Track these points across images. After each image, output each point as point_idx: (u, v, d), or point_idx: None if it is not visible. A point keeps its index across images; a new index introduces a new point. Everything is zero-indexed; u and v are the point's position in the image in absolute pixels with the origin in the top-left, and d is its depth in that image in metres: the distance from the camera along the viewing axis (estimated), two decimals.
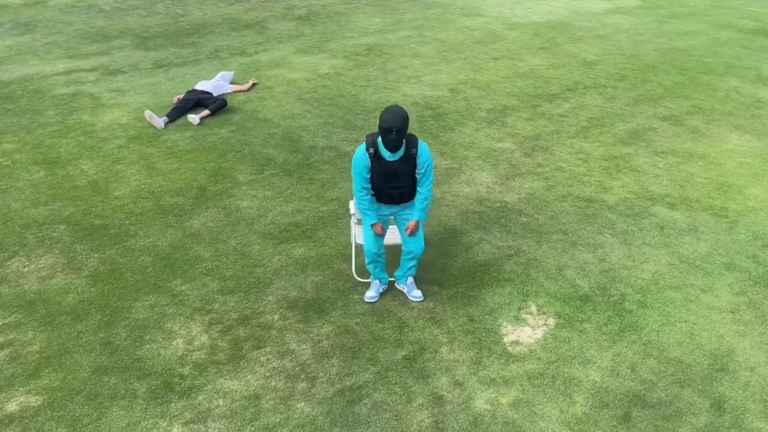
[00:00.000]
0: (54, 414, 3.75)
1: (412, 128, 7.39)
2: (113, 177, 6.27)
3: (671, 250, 5.31)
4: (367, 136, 4.22)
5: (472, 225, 5.62)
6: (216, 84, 8.05)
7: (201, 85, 7.93)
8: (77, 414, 3.76)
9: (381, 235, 4.48)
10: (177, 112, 7.46)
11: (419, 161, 4.22)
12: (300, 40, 10.52)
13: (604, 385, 4.02)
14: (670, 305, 4.70)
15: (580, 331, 4.45)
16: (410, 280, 4.77)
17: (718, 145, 7.11)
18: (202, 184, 6.17)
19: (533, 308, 4.66)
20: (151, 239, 5.34)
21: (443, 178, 6.38)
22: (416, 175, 4.29)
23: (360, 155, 4.19)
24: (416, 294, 4.73)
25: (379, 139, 4.16)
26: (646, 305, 4.70)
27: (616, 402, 3.91)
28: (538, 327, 4.49)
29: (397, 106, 4.05)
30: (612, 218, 5.74)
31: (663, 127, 7.57)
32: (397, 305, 4.66)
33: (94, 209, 5.75)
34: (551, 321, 4.54)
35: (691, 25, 11.75)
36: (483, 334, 4.41)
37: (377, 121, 7.49)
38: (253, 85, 8.52)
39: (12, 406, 3.79)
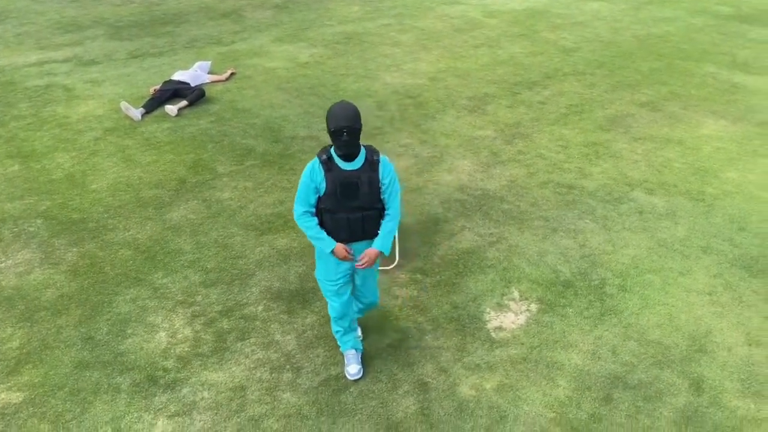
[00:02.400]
0: (36, 410, 3.71)
1: (394, 117, 7.38)
2: (90, 170, 6.17)
3: (650, 235, 5.39)
4: (319, 150, 3.55)
5: (454, 213, 5.65)
6: (193, 74, 7.94)
7: (178, 76, 7.82)
8: (60, 410, 3.71)
9: (348, 260, 3.61)
10: (154, 103, 7.35)
11: (382, 171, 3.51)
12: (278, 29, 10.41)
13: (586, 368, 4.08)
14: (649, 288, 4.78)
15: (562, 316, 4.51)
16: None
17: (694, 131, 7.21)
18: (182, 175, 6.10)
19: (516, 294, 4.70)
20: (130, 232, 5.28)
21: (425, 166, 6.38)
22: (381, 194, 3.56)
23: (310, 168, 3.47)
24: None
25: (332, 147, 3.50)
26: (625, 289, 4.77)
27: (598, 384, 3.97)
28: (521, 313, 4.53)
29: (344, 101, 3.41)
30: (592, 204, 5.80)
31: (641, 113, 7.65)
32: (381, 294, 4.67)
33: (71, 203, 5.65)
34: (533, 306, 4.59)
35: (667, 11, 11.86)
36: (466, 320, 4.45)
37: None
38: (232, 74, 8.42)
39: None
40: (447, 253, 5.13)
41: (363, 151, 3.52)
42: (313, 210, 3.55)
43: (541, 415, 3.76)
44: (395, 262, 4.95)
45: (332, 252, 3.57)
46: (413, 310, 4.54)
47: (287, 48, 9.51)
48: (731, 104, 7.93)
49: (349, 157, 3.45)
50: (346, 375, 3.97)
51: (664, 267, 5.01)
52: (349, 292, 3.84)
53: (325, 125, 7.13)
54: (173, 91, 7.54)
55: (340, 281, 3.76)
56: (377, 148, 3.61)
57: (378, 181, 3.52)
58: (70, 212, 5.52)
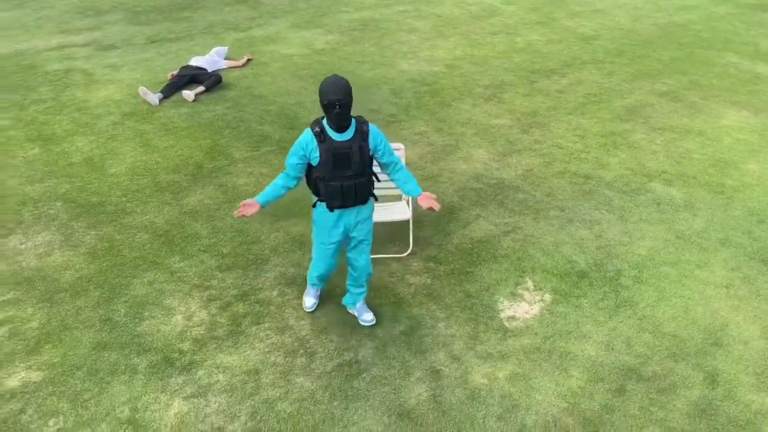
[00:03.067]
0: (55, 389, 3.79)
1: (409, 105, 7.35)
2: (108, 154, 6.23)
3: (667, 226, 5.34)
4: (311, 122, 3.75)
5: (469, 202, 5.63)
6: (210, 60, 7.95)
7: (195, 61, 7.84)
8: (78, 389, 3.79)
9: (242, 216, 3.73)
10: (171, 89, 7.39)
11: (372, 140, 3.72)
12: (294, 15, 10.38)
13: (600, 359, 4.07)
14: (665, 281, 4.75)
15: (576, 307, 4.49)
16: (360, 303, 4.32)
17: (715, 121, 7.11)
18: (199, 161, 6.14)
19: (530, 284, 4.69)
20: (148, 216, 5.33)
21: (440, 154, 6.36)
22: (378, 160, 3.81)
23: (303, 137, 3.67)
24: (367, 318, 4.27)
25: (325, 119, 3.69)
26: (641, 281, 4.74)
27: (612, 376, 3.96)
28: (535, 302, 4.53)
29: (336, 75, 3.58)
30: (609, 195, 5.76)
31: (660, 103, 7.55)
32: (395, 281, 4.69)
33: (90, 186, 5.72)
34: (547, 297, 4.58)
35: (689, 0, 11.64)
36: (480, 309, 4.45)
37: (374, 98, 7.45)
38: (248, 60, 8.43)
39: (13, 382, 3.82)
40: (461, 241, 5.12)
41: (353, 122, 3.72)
42: (295, 177, 3.79)
43: (554, 405, 3.76)
44: (409, 250, 4.96)
45: (243, 204, 3.76)
46: (426, 297, 4.55)
47: (303, 34, 9.49)
48: (753, 95, 7.79)
49: (340, 129, 3.64)
50: (303, 306, 4.40)
51: (681, 259, 4.97)
52: (335, 259, 4.10)
53: None
54: (190, 77, 7.57)
55: (332, 247, 4.00)
56: (366, 121, 3.80)
57: (368, 149, 3.73)
58: (89, 195, 5.59)
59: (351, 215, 3.91)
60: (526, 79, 8.12)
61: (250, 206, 3.76)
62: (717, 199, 5.71)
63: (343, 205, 3.81)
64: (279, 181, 3.83)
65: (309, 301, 4.42)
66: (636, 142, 6.66)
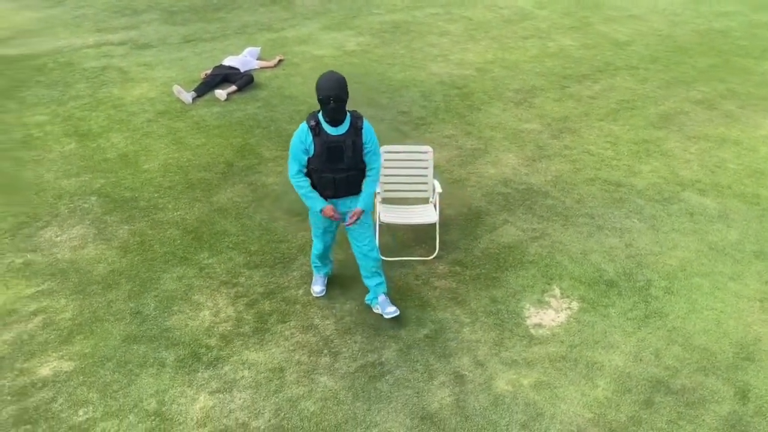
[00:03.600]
0: (85, 379, 3.87)
1: (438, 108, 7.34)
2: (142, 150, 6.36)
3: (700, 237, 5.23)
4: (308, 115, 3.86)
5: (497, 206, 5.60)
6: (243, 60, 8.06)
7: (228, 61, 7.95)
8: (108, 380, 3.87)
9: (335, 219, 4.00)
10: (205, 88, 7.51)
11: (365, 136, 3.87)
12: (326, 17, 10.45)
13: (627, 370, 4.01)
14: (697, 292, 4.65)
15: (604, 316, 4.43)
16: (382, 297, 4.32)
17: (752, 131, 6.94)
18: (229, 159, 6.23)
19: (557, 291, 4.64)
20: (179, 212, 5.42)
21: (468, 158, 6.34)
22: (363, 157, 3.92)
23: (299, 132, 3.82)
24: (390, 310, 4.26)
25: (320, 114, 3.82)
26: (672, 292, 4.65)
27: (639, 387, 3.90)
28: (562, 310, 4.48)
29: (332, 71, 3.69)
30: (640, 203, 5.66)
31: (696, 110, 7.40)
32: (419, 284, 4.69)
33: (124, 182, 5.84)
34: (575, 305, 4.52)
35: (729, 6, 11.39)
36: (505, 315, 4.42)
37: (404, 100, 7.46)
38: (280, 61, 8.52)
39: (45, 371, 3.92)
40: (488, 246, 5.09)
41: (348, 116, 3.85)
42: (305, 169, 3.91)
43: (579, 415, 3.72)
44: (435, 253, 4.95)
45: (321, 211, 3.97)
46: (451, 301, 4.53)
47: (335, 36, 9.55)
48: None
49: (335, 123, 3.76)
50: (312, 293, 4.52)
51: (714, 271, 4.86)
52: (331, 239, 4.29)
53: (370, 113, 7.15)
54: (223, 76, 7.68)
55: (325, 228, 4.18)
56: (361, 116, 3.92)
57: (361, 144, 3.87)
58: (122, 191, 5.71)
59: (344, 205, 4.08)
60: (558, 84, 8.04)
61: (327, 212, 3.99)
62: (752, 211, 5.57)
63: (335, 196, 3.99)
64: (304, 182, 3.95)
65: (317, 287, 4.55)
66: (669, 150, 6.54)
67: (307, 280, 4.70)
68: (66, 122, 6.88)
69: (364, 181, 4.05)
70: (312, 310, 4.43)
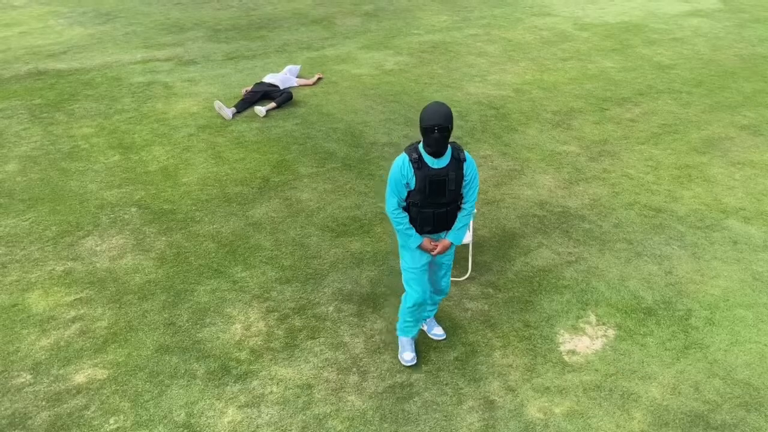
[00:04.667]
0: (118, 388, 3.93)
1: (475, 128, 7.32)
2: (182, 164, 6.50)
3: (744, 267, 5.05)
4: (407, 147, 3.66)
5: (532, 229, 5.52)
6: (283, 77, 8.21)
7: (268, 78, 8.11)
8: (139, 389, 3.92)
9: (432, 251, 3.80)
10: (245, 104, 7.66)
11: (467, 169, 3.68)
12: (366, 36, 10.58)
13: (665, 403, 3.87)
14: (740, 324, 4.47)
15: (642, 345, 4.30)
16: (430, 318, 4.35)
17: None
18: (266, 174, 6.31)
19: (592, 318, 4.53)
20: (215, 226, 5.51)
21: (504, 179, 6.28)
22: (461, 189, 3.74)
23: (400, 164, 3.59)
24: (438, 332, 4.31)
25: (421, 144, 3.63)
26: (714, 322, 4.49)
27: (677, 421, 3.75)
28: (597, 338, 4.36)
29: (438, 102, 3.54)
30: (681, 230, 5.51)
31: (741, 136, 7.20)
32: (451, 305, 4.63)
33: (163, 194, 5.98)
34: (611, 332, 4.40)
35: None
36: (538, 340, 4.33)
37: None
38: (319, 79, 8.64)
39: (80, 378, 4.00)
40: (522, 269, 5.01)
41: (449, 148, 3.64)
42: (404, 204, 3.70)
43: None
44: (467, 274, 4.90)
45: (419, 246, 3.78)
46: (483, 324, 4.47)
47: (374, 55, 9.65)
48: None
49: (437, 155, 3.57)
50: (401, 361, 4.10)
51: (758, 302, 4.68)
52: (427, 279, 3.97)
53: (405, 132, 7.17)
54: (263, 93, 7.83)
55: (423, 269, 3.90)
56: (462, 148, 3.73)
57: (462, 178, 3.69)
58: (161, 203, 5.84)
59: (438, 239, 3.89)
60: (597, 106, 7.93)
61: (427, 247, 3.82)
62: None
63: (434, 231, 3.80)
64: (403, 218, 3.72)
65: (408, 354, 4.09)
66: (713, 176, 6.36)
67: (339, 296, 4.70)
68: (111, 135, 7.09)
69: (459, 213, 3.83)
70: (342, 328, 4.42)
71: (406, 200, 3.69)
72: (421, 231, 3.77)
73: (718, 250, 5.25)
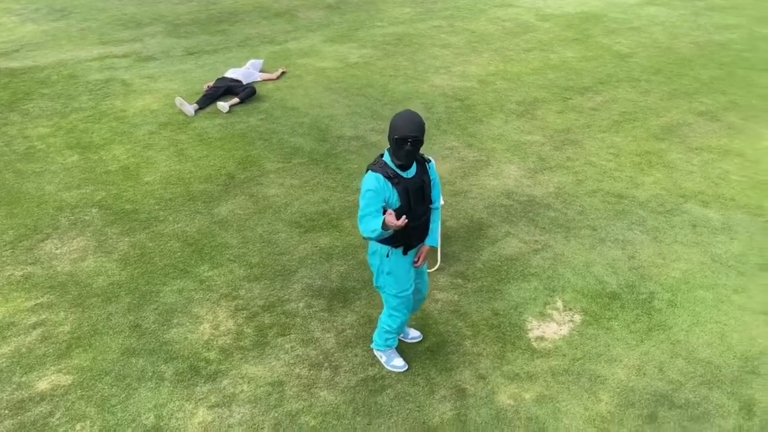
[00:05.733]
0: (84, 393, 3.84)
1: (441, 120, 7.35)
2: (144, 162, 6.36)
3: (703, 249, 5.20)
4: (372, 165, 3.39)
5: (499, 218, 5.57)
6: (245, 72, 8.09)
7: (231, 73, 7.98)
8: (106, 394, 3.84)
9: (399, 226, 3.19)
10: (207, 100, 7.53)
11: (432, 171, 3.59)
12: (329, 29, 10.51)
13: (630, 384, 3.96)
14: (700, 305, 4.61)
15: (607, 329, 4.39)
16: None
17: (755, 142, 6.91)
18: (231, 171, 6.23)
19: (559, 304, 4.61)
20: (179, 225, 5.41)
21: (470, 170, 6.33)
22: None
23: (376, 184, 3.32)
24: (414, 335, 4.25)
25: (386, 157, 3.42)
26: (675, 304, 4.61)
27: (643, 401, 3.85)
28: (564, 323, 4.44)
29: (410, 110, 3.34)
30: (643, 215, 5.63)
31: (698, 122, 7.39)
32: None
33: (125, 194, 5.84)
34: (577, 317, 4.48)
35: (730, 19, 11.41)
36: (507, 328, 4.38)
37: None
38: (282, 73, 8.54)
39: (43, 385, 3.89)
40: (490, 258, 5.06)
41: None
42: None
43: (582, 430, 3.67)
44: (437, 266, 4.92)
45: (384, 224, 3.23)
46: (453, 314, 4.50)
47: (337, 48, 9.59)
48: None
49: (406, 167, 3.41)
50: (393, 369, 4.01)
51: (718, 283, 4.82)
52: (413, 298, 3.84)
53: (371, 125, 7.15)
54: (226, 88, 7.71)
55: (412, 287, 3.74)
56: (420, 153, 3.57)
57: (431, 180, 3.58)
58: (123, 203, 5.71)
59: (415, 250, 3.71)
60: (560, 96, 8.04)
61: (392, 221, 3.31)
62: (756, 222, 5.53)
63: (419, 242, 3.64)
64: (375, 223, 3.30)
65: (399, 361, 4.03)
66: (672, 161, 6.52)
67: (308, 292, 4.67)
68: (68, 134, 6.90)
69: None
70: (313, 324, 4.40)
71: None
72: (408, 246, 3.57)
73: (678, 233, 5.39)
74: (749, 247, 5.22)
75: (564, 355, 4.17)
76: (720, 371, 4.06)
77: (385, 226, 3.23)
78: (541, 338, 4.30)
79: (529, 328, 4.39)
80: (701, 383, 3.98)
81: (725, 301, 4.65)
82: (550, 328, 4.39)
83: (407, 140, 3.26)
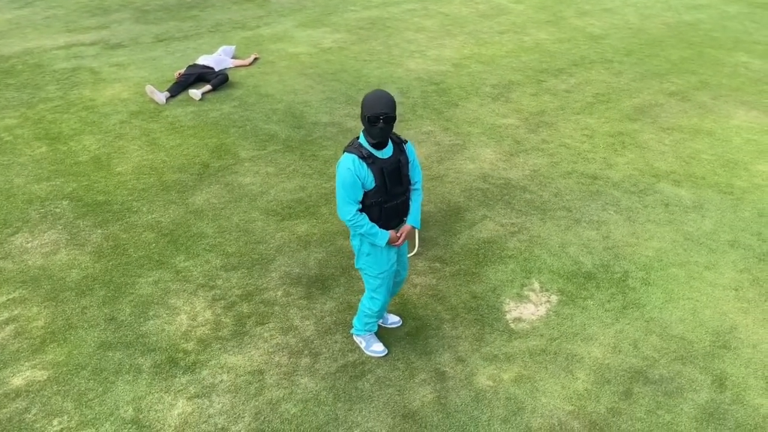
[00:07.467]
0: (60, 388, 3.79)
1: (416, 104, 7.33)
2: (115, 153, 6.24)
3: (675, 227, 5.29)
4: (348, 147, 3.40)
5: (476, 202, 5.60)
6: (217, 58, 7.96)
7: (202, 60, 7.85)
8: (83, 388, 3.79)
9: (396, 244, 3.60)
10: (178, 87, 7.40)
11: (408, 150, 3.58)
12: (302, 14, 10.38)
13: (606, 362, 4.03)
14: (673, 282, 4.70)
15: (583, 308, 4.46)
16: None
17: (724, 122, 7.03)
18: (205, 160, 6.14)
19: (536, 285, 4.66)
20: (154, 215, 5.34)
21: (446, 154, 6.33)
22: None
23: (350, 166, 3.33)
24: (394, 320, 4.27)
25: (362, 138, 3.42)
26: (649, 282, 4.69)
27: (618, 378, 3.93)
28: (541, 304, 4.49)
29: (380, 89, 3.33)
30: (616, 195, 5.71)
31: (669, 102, 7.48)
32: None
33: (96, 185, 5.73)
34: (554, 298, 4.54)
35: None
36: (485, 311, 4.42)
37: None
38: (255, 59, 8.43)
39: (18, 381, 3.83)
40: (467, 242, 5.09)
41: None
42: (360, 206, 3.46)
43: (559, 408, 3.73)
44: (415, 250, 4.94)
45: (388, 243, 3.53)
46: (432, 298, 4.53)
47: (311, 33, 9.48)
48: (763, 95, 7.71)
49: (381, 146, 3.41)
50: (373, 354, 4.02)
51: (690, 261, 4.92)
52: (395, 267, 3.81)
53: (347, 111, 7.10)
54: (197, 76, 7.58)
55: (393, 268, 3.73)
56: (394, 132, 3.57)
57: (407, 160, 3.55)
58: (95, 194, 5.61)
59: (397, 231, 3.69)
60: (534, 78, 8.07)
61: (394, 239, 3.58)
62: (726, 201, 5.65)
63: (398, 224, 3.64)
64: (363, 219, 3.46)
65: (378, 346, 4.05)
66: (644, 142, 6.60)
67: (287, 280, 4.65)
68: (36, 125, 6.73)
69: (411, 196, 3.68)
70: (292, 311, 4.39)
71: (362, 202, 3.45)
72: (386, 227, 3.56)
73: (651, 213, 5.48)
74: (720, 224, 5.33)
75: (541, 336, 4.22)
76: (692, 347, 4.16)
77: (389, 242, 3.52)
78: (519, 319, 4.35)
79: (506, 309, 4.43)
80: (675, 359, 4.07)
81: (697, 278, 4.75)
82: (528, 310, 4.44)
83: (379, 118, 3.26)
